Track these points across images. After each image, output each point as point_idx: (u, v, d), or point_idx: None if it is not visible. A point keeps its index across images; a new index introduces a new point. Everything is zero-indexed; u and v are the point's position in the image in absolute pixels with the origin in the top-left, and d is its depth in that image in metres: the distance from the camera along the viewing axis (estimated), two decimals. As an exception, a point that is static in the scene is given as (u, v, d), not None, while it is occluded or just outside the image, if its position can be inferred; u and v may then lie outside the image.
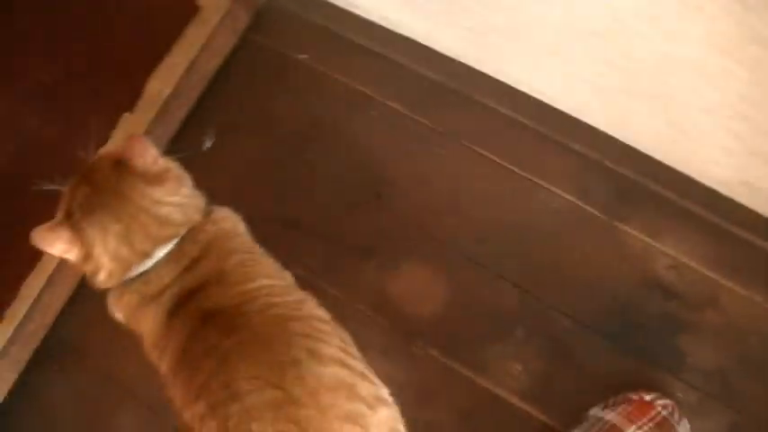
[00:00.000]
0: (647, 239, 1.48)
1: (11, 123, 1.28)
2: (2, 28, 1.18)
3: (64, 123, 1.36)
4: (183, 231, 1.11)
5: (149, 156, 1.11)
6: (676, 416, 1.30)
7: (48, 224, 1.08)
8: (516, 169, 1.55)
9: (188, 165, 1.17)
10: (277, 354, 1.00)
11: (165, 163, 1.14)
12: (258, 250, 1.18)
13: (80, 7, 1.32)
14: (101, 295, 1.15)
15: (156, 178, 1.11)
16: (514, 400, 1.40)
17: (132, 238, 1.08)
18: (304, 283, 1.18)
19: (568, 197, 1.52)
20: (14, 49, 1.19)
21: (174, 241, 1.10)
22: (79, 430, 1.49)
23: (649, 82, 1.29)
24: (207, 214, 1.15)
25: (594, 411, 1.32)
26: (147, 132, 1.56)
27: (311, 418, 0.96)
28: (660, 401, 1.30)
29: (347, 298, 1.49)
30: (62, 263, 1.39)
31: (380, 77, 1.66)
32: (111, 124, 1.49)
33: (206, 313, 1.05)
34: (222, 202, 1.19)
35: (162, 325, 1.08)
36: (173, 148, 1.58)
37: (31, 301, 1.47)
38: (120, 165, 1.10)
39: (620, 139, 1.50)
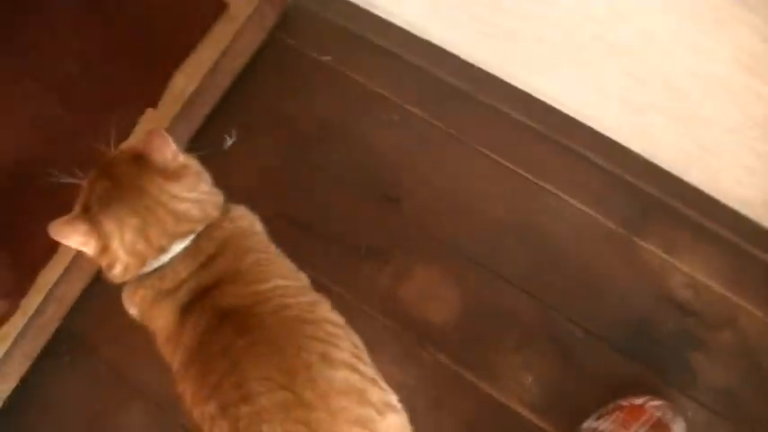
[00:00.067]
0: (665, 256, 1.47)
1: (35, 113, 1.28)
2: (31, 20, 1.19)
3: (87, 115, 1.36)
4: (200, 228, 1.11)
5: (169, 151, 1.11)
6: (669, 415, 1.30)
7: (65, 217, 1.08)
8: (534, 178, 1.55)
9: (208, 162, 1.17)
10: (289, 356, 1.00)
11: (184, 159, 1.14)
12: (274, 250, 1.18)
13: (109, 1, 1.33)
14: (114, 290, 1.16)
15: (175, 174, 1.11)
16: (524, 411, 1.40)
17: (149, 233, 1.08)
18: (315, 284, 1.18)
19: (587, 209, 1.51)
20: (43, 41, 1.20)
21: (191, 237, 1.11)
22: (87, 424, 1.49)
23: (674, 99, 1.28)
24: (224, 212, 1.15)
25: (588, 423, 1.32)
26: (170, 128, 1.56)
27: (321, 420, 0.96)
28: (651, 404, 1.30)
29: (358, 301, 1.49)
30: (78, 255, 1.39)
31: (401, 81, 1.66)
32: (134, 119, 1.49)
33: (220, 312, 1.05)
34: (239, 201, 1.19)
35: (176, 321, 1.08)
36: (194, 145, 1.60)
37: (46, 292, 1.47)
38: (140, 159, 1.11)
39: (643, 154, 1.49)
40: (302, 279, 1.18)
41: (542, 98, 1.55)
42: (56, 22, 1.24)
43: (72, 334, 1.54)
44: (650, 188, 1.51)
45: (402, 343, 1.46)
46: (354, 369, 1.03)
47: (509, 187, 1.55)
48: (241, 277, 1.09)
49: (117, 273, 1.11)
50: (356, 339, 1.11)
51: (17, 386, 1.49)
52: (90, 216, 1.08)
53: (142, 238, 1.08)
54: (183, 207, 1.10)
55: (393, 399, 1.07)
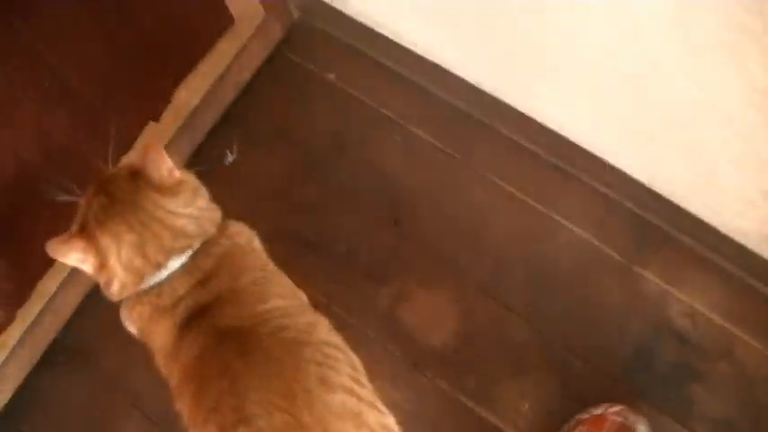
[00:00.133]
0: (664, 285, 1.46)
1: (36, 126, 1.28)
2: (32, 31, 1.19)
3: (89, 128, 1.36)
4: (197, 243, 1.11)
5: (164, 166, 1.11)
6: (632, 417, 1.30)
7: (62, 235, 1.08)
8: (536, 204, 1.55)
9: (209, 177, 1.17)
10: (287, 379, 1.00)
11: (181, 174, 1.14)
12: (272, 267, 1.17)
13: (113, 13, 1.33)
14: (112, 302, 1.15)
15: (171, 189, 1.11)
16: (520, 438, 1.39)
17: (146, 249, 1.08)
18: (314, 303, 1.18)
19: (588, 237, 1.51)
20: (43, 52, 1.20)
21: (188, 253, 1.10)
22: (84, 433, 1.49)
23: (679, 128, 1.28)
24: (222, 228, 1.15)
25: None
26: (172, 142, 1.56)
27: None
28: (611, 410, 1.31)
29: (357, 321, 1.48)
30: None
31: (406, 102, 1.66)
32: (136, 132, 1.49)
33: (219, 332, 1.04)
34: (239, 217, 1.19)
35: (174, 338, 1.08)
36: (196, 159, 1.60)
37: (44, 302, 1.47)
38: (137, 175, 1.11)
39: (645, 183, 1.49)
40: (301, 297, 1.17)
41: (547, 124, 1.55)
42: (58, 35, 1.24)
43: (70, 343, 1.54)
44: (651, 217, 1.51)
45: (401, 365, 1.46)
46: (352, 392, 1.02)
47: (511, 213, 1.55)
48: (239, 297, 1.09)
49: (115, 290, 1.10)
50: (355, 360, 1.10)
51: (14, 395, 1.49)
52: (87, 233, 1.07)
53: (139, 255, 1.08)
54: (179, 223, 1.10)
55: (391, 421, 1.07)
